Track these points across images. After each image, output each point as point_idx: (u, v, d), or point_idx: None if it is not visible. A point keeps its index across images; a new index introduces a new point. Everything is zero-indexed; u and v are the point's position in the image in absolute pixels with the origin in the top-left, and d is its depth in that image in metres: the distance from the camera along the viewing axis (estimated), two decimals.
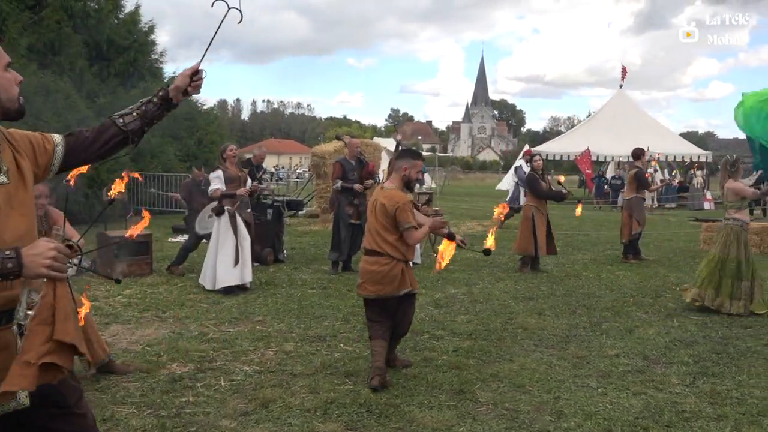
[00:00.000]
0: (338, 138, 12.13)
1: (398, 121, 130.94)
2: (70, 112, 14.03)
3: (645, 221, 10.58)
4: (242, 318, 6.52)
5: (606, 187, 26.26)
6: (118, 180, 2.57)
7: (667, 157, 25.90)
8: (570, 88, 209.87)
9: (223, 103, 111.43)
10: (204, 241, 8.85)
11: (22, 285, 2.00)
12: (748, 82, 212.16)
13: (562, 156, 28.71)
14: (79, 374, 4.18)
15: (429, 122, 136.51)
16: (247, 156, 12.82)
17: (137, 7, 19.99)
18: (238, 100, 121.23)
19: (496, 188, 36.98)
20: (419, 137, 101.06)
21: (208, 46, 2.50)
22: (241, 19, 2.46)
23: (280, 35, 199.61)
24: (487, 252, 4.47)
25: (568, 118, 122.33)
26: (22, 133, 2.18)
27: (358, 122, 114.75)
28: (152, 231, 9.42)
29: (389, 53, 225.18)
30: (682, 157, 27.19)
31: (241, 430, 3.90)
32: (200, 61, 2.45)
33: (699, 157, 26.91)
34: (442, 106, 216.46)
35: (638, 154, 10.69)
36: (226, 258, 7.59)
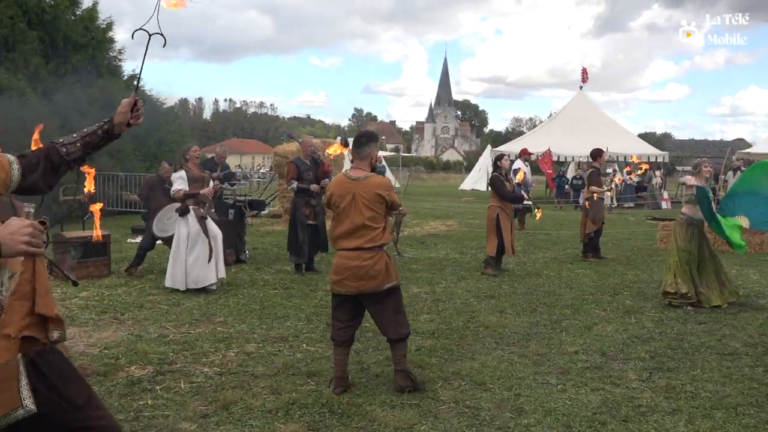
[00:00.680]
0: (290, 137, 11.95)
1: (362, 121, 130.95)
2: (25, 110, 13.68)
3: (601, 220, 10.77)
4: (203, 319, 6.44)
5: (567, 186, 26.66)
6: (89, 177, 2.75)
7: (626, 157, 26.40)
8: (532, 89, 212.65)
9: (184, 102, 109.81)
10: (160, 242, 8.72)
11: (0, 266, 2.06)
12: (702, 84, 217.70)
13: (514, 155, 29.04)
14: None
15: (393, 122, 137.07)
16: (210, 155, 12.68)
17: (95, 4, 19.61)
18: (199, 99, 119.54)
19: (459, 188, 37.30)
20: (383, 137, 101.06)
21: (139, 76, 2.71)
22: (165, 43, 2.51)
23: (242, 34, 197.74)
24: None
25: (530, 118, 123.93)
26: None
27: (322, 122, 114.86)
28: (110, 231, 9.24)
29: (353, 53, 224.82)
30: (640, 157, 27.73)
31: None
32: (134, 92, 2.53)
33: (657, 158, 27.48)
34: (405, 106, 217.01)
35: (596, 154, 10.95)
36: (200, 258, 7.53)
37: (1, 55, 15.70)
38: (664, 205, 24.20)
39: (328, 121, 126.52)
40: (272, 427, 3.92)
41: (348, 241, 4.50)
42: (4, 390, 2.01)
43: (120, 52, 20.65)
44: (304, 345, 5.65)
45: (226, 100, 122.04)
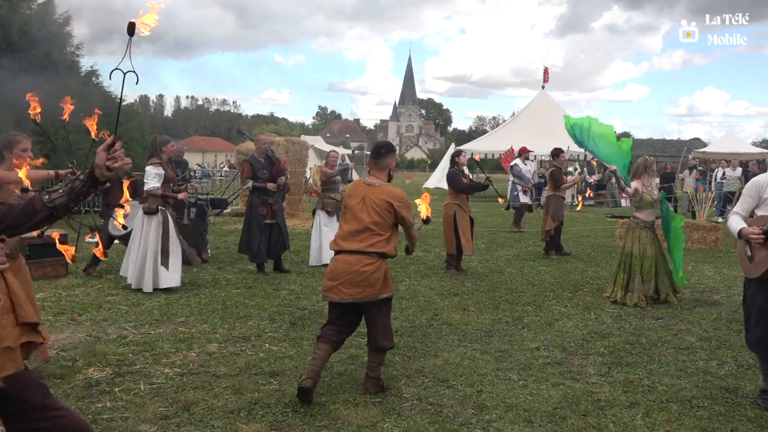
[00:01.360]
0: (240, 133, 11.68)
1: (326, 119, 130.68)
2: None
3: (560, 218, 10.96)
4: (164, 319, 6.35)
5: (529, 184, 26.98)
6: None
7: (586, 156, 26.84)
8: (495, 88, 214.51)
9: (144, 99, 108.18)
10: (117, 241, 8.56)
11: None
12: (661, 84, 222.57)
13: (486, 155, 29.30)
14: None
15: (357, 120, 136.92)
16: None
17: None
18: (161, 95, 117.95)
19: (424, 186, 37.44)
20: (347, 135, 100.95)
21: (117, 122, 2.64)
22: (138, 80, 2.53)
23: (205, 30, 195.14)
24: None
25: (494, 117, 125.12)
26: None
27: (286, 120, 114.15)
28: (67, 231, 9.03)
29: (317, 51, 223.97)
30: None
31: None
32: (114, 134, 2.53)
33: None
34: (370, 104, 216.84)
35: (555, 153, 11.19)
36: (174, 258, 7.46)
37: None
38: (623, 203, 24.64)
39: (292, 119, 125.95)
40: (234, 428, 3.89)
41: (349, 243, 4.39)
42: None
43: (78, 47, 20.23)
44: (267, 344, 5.61)
45: (188, 97, 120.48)
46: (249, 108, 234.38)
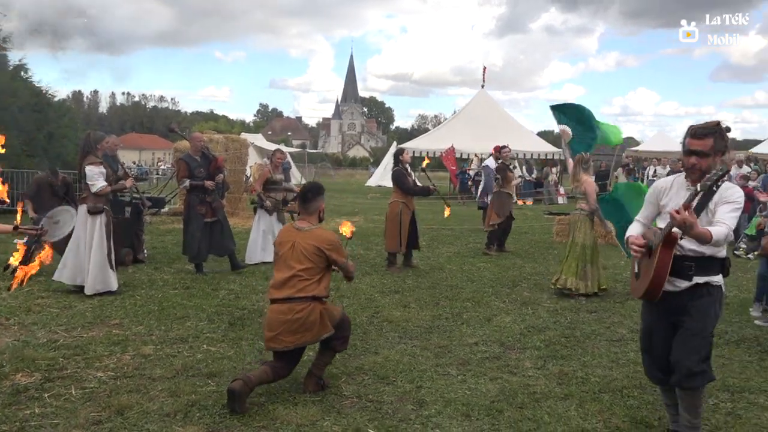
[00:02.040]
0: (171, 131, 11.39)
1: (267, 116, 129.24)
2: None
3: (505, 213, 11.17)
4: (97, 322, 6.16)
5: (470, 183, 27.36)
6: None
7: (525, 154, 27.41)
8: (437, 87, 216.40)
9: (78, 95, 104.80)
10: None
11: None
12: (596, 85, 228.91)
13: (428, 153, 29.54)
14: None
15: (299, 118, 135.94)
16: None
17: None
18: (95, 91, 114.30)
19: (366, 185, 37.48)
20: (289, 133, 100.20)
21: None
22: None
23: (141, 25, 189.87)
24: None
25: (435, 116, 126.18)
26: None
27: (226, 117, 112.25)
28: None
29: (258, 47, 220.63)
30: (539, 154, 28.85)
31: None
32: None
33: (554, 155, 28.63)
34: (312, 102, 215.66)
35: (498, 151, 11.49)
36: (94, 259, 7.21)
37: None
38: (560, 200, 25.26)
39: (233, 116, 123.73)
40: (170, 431, 3.81)
41: (280, 291, 4.39)
42: None
43: (5, 40, 19.38)
44: (205, 345, 5.52)
45: (123, 93, 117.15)
46: (188, 105, 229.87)
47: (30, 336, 5.63)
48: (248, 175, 18.23)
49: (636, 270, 3.76)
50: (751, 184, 13.71)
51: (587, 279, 7.57)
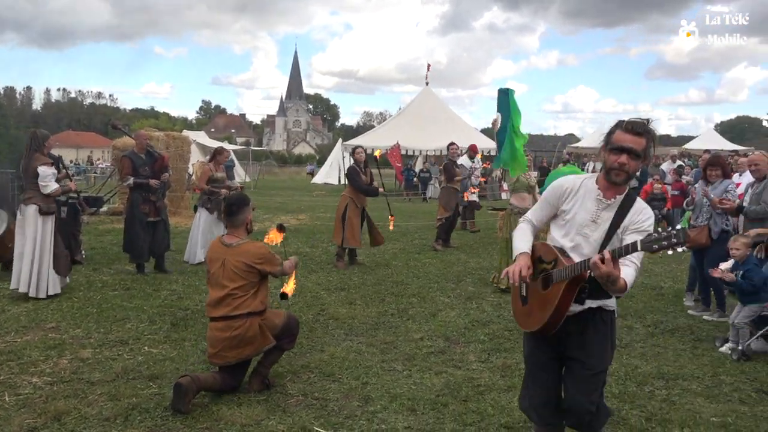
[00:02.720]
0: (114, 128, 11.13)
1: (210, 114, 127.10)
2: None
3: (452, 207, 11.33)
4: (32, 326, 5.94)
5: (415, 179, 27.57)
6: None
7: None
8: (382, 84, 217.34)
9: (10, 91, 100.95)
10: None
11: None
12: (538, 82, 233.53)
13: (373, 150, 29.59)
14: None
15: (243, 115, 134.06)
16: None
17: None
18: (28, 88, 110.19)
19: (312, 182, 37.31)
20: (233, 130, 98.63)
21: None
22: None
23: (77, 19, 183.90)
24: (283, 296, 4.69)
25: (381, 113, 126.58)
26: None
27: (167, 114, 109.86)
28: None
29: (200, 43, 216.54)
30: (482, 151, 29.20)
31: None
32: None
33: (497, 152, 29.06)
34: (256, 99, 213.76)
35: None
36: (44, 262, 7.00)
37: None
38: (503, 196, 25.67)
39: (174, 113, 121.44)
40: None
41: (217, 310, 4.34)
42: None
43: None
44: (146, 347, 5.39)
45: (59, 89, 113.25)
46: (127, 102, 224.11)
47: None
48: (190, 173, 17.89)
49: (522, 293, 3.14)
50: (685, 178, 14.23)
51: None
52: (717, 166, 6.96)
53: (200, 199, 9.31)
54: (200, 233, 9.18)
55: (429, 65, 32.12)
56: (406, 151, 27.54)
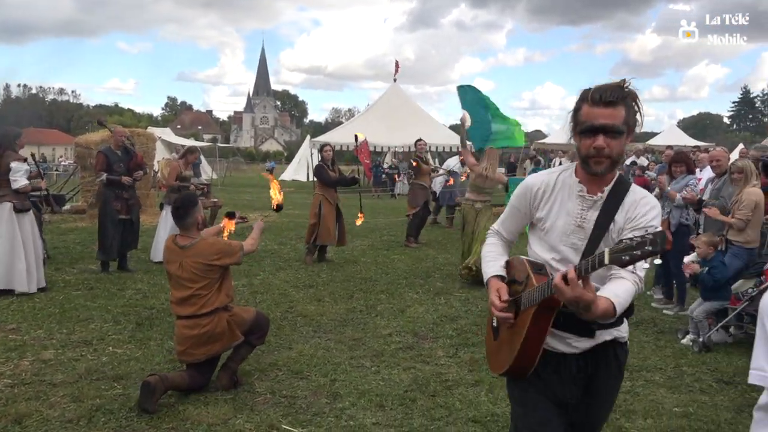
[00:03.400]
0: (100, 123, 11.05)
1: (176, 110, 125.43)
2: None
3: (418, 204, 11.36)
4: None
5: (383, 176, 27.60)
6: None
7: (437, 147, 27.84)
8: (351, 81, 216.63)
9: None
10: None
11: None
12: (505, 79, 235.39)
13: (342, 146, 29.52)
14: None
15: (209, 112, 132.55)
16: None
17: None
18: None
19: (280, 179, 37.04)
20: (199, 127, 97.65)
21: None
22: None
23: (38, 13, 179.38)
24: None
25: (349, 109, 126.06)
26: None
27: (132, 111, 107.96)
28: None
29: (165, 39, 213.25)
30: (450, 147, 29.36)
31: None
32: None
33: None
34: (222, 95, 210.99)
35: (416, 144, 11.92)
36: (30, 258, 7.00)
37: None
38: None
39: (139, 109, 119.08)
40: None
41: (182, 308, 4.31)
42: None
43: None
44: (111, 347, 5.30)
45: (19, 85, 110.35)
46: (90, 98, 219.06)
47: None
48: (156, 170, 17.63)
49: (494, 323, 2.41)
50: (648, 174, 14.49)
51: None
52: (682, 162, 7.12)
53: (166, 197, 9.18)
54: (167, 232, 9.04)
55: (397, 63, 32.03)
56: (375, 147, 27.52)
